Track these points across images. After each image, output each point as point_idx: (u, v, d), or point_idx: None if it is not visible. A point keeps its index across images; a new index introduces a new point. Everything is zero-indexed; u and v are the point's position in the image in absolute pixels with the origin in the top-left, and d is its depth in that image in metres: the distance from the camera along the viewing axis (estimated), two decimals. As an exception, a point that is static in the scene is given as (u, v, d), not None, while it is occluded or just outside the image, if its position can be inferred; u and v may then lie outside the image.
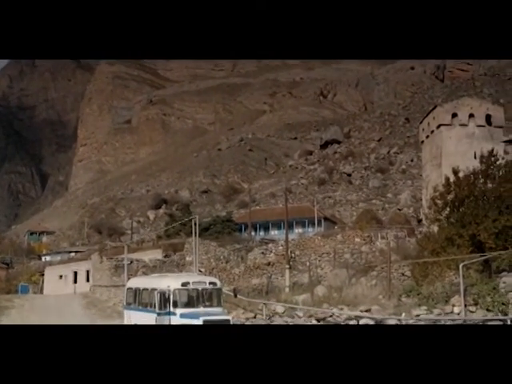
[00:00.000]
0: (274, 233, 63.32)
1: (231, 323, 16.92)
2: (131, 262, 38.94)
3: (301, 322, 18.79)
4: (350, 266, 30.22)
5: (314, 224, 59.42)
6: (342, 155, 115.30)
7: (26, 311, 31.91)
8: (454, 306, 17.21)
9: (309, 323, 18.47)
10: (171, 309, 17.22)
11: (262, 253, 38.43)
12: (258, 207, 79.96)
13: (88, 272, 50.10)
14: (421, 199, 53.27)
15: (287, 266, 31.47)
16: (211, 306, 17.74)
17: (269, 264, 35.15)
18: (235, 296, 21.77)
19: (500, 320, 15.51)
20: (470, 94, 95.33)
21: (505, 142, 43.45)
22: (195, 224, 35.50)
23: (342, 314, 18.16)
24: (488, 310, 16.63)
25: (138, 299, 19.49)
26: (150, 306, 18.05)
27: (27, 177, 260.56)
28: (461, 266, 17.41)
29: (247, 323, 20.12)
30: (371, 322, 17.01)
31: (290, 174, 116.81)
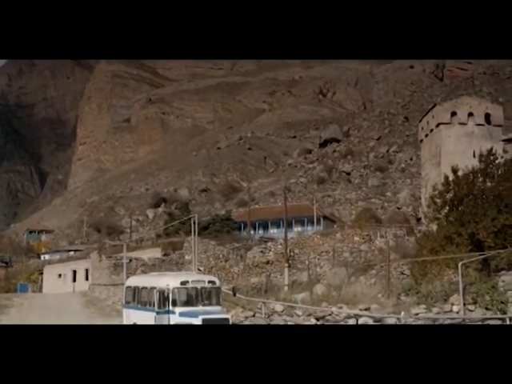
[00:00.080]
0: (273, 231, 63.33)
1: (230, 322, 16.94)
2: (130, 261, 38.88)
3: (300, 320, 18.77)
4: (349, 265, 30.28)
5: (313, 223, 59.44)
6: (341, 154, 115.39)
7: (25, 310, 31.88)
8: (452, 304, 17.19)
9: (308, 322, 18.47)
10: (170, 307, 17.22)
11: (261, 251, 38.46)
12: (257, 206, 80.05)
13: (87, 271, 50.11)
14: (420, 198, 53.33)
15: (286, 265, 31.47)
16: (210, 304, 17.74)
17: (268, 263, 35.19)
18: (234, 295, 21.79)
19: (499, 318, 15.53)
20: (469, 93, 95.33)
21: (504, 140, 43.47)
22: (194, 223, 35.50)
23: (341, 313, 18.14)
24: (487, 308, 16.63)
25: (137, 298, 19.48)
26: (149, 305, 18.05)
27: (26, 175, 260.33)
28: (460, 264, 17.42)
29: (246, 322, 20.09)
30: (370, 321, 17.01)
31: (289, 172, 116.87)
